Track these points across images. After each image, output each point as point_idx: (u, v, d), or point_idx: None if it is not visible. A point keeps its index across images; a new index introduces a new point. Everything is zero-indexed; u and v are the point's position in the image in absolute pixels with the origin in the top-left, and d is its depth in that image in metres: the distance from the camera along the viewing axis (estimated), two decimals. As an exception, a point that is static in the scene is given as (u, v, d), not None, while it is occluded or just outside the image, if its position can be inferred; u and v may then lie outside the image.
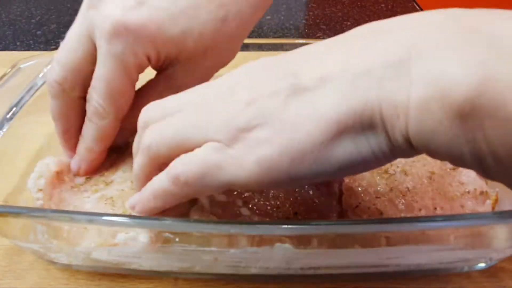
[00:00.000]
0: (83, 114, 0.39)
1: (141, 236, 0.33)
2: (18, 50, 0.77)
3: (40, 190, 0.38)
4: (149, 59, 0.37)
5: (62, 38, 0.84)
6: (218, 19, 0.37)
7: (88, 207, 0.37)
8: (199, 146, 0.28)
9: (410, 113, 0.23)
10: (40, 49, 0.78)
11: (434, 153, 0.25)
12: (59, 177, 0.40)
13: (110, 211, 0.36)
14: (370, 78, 0.24)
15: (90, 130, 0.39)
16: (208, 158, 0.27)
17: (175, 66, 0.39)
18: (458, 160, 0.24)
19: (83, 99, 0.39)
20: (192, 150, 0.29)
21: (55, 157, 0.41)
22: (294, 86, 0.26)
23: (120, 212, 0.36)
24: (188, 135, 0.29)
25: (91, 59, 0.37)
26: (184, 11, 0.36)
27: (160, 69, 0.39)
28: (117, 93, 0.37)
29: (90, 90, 0.37)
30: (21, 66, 0.48)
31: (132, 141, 0.35)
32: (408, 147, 0.25)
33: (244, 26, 0.40)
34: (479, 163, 0.23)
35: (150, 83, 0.40)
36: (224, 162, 0.27)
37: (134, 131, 0.38)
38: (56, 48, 0.77)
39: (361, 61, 0.25)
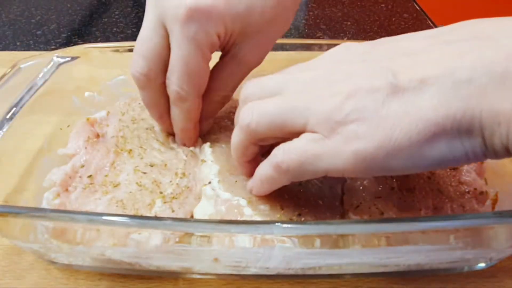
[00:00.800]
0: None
1: (153, 236, 0.33)
2: (18, 50, 0.77)
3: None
4: (219, 37, 0.39)
5: (62, 38, 0.84)
6: None
7: (100, 209, 0.38)
8: (297, 131, 0.30)
9: None
10: (40, 49, 0.78)
11: None
12: (67, 184, 0.41)
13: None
14: (473, 86, 0.25)
15: (177, 114, 0.42)
16: (307, 148, 0.29)
17: (240, 43, 0.41)
18: None
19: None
20: (290, 133, 0.31)
21: (56, 169, 0.41)
22: (394, 86, 0.27)
23: (131, 214, 0.37)
24: (287, 119, 0.31)
25: (167, 45, 0.39)
26: None
27: (226, 50, 0.42)
28: (194, 73, 0.39)
29: (168, 75, 0.40)
30: (21, 66, 0.48)
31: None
32: (505, 152, 0.26)
33: None
34: None
35: (218, 65, 0.43)
36: (322, 152, 0.29)
37: (212, 115, 0.45)
38: (56, 48, 0.78)
39: (463, 67, 0.25)
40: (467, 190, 0.38)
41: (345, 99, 0.28)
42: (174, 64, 0.39)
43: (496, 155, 0.27)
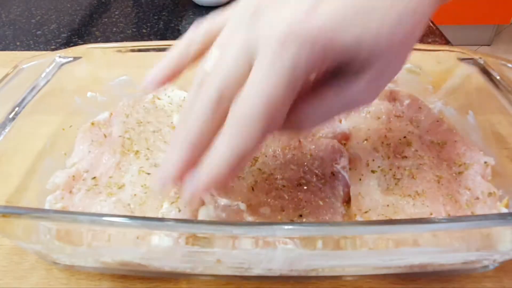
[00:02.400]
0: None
1: (164, 238, 0.33)
2: (18, 50, 0.77)
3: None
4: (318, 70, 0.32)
5: (62, 38, 0.84)
6: (394, 22, 0.31)
7: (105, 211, 0.38)
8: None
9: None
10: (40, 49, 0.78)
11: None
12: (71, 186, 0.41)
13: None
14: None
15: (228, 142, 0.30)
16: None
17: (346, 76, 0.32)
18: None
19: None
20: None
21: (60, 172, 0.42)
22: None
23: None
24: None
25: (248, 73, 0.31)
26: (359, 14, 0.30)
27: (326, 80, 0.33)
28: (274, 108, 0.30)
29: (239, 101, 0.30)
30: (24, 66, 0.48)
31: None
32: None
33: (422, 24, 0.33)
34: None
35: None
36: None
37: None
38: (56, 48, 0.77)
39: None
40: (476, 197, 0.38)
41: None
42: (253, 92, 0.30)
43: None
